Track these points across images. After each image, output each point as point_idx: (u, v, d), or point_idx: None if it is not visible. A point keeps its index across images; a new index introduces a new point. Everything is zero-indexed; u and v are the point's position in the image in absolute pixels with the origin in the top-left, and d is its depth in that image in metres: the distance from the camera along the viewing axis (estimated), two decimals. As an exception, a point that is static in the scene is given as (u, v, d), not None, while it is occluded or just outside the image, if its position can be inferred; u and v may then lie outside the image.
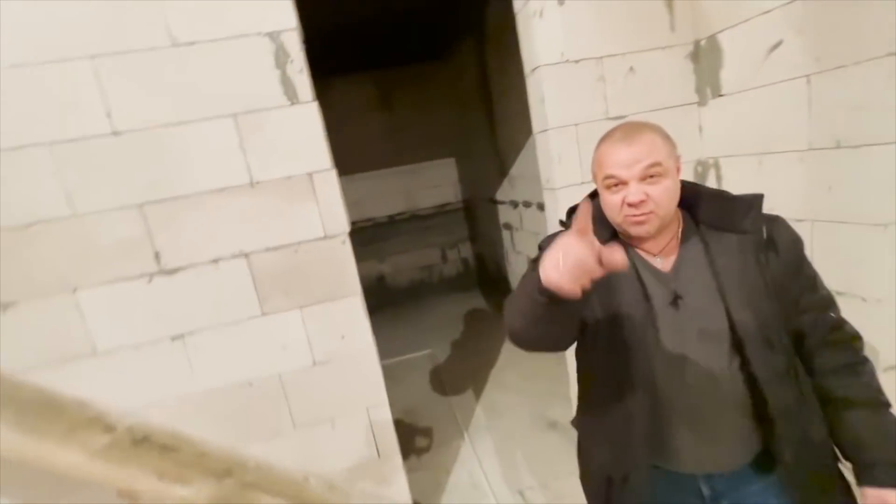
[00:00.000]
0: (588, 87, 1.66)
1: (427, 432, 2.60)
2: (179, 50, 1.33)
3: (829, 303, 0.85)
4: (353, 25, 3.67)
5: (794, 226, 0.86)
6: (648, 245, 0.84)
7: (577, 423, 1.02)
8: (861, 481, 0.83)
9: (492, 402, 2.82)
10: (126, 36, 1.30)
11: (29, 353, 1.33)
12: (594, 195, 0.89)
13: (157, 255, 1.40)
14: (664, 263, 0.84)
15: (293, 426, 1.57)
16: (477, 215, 5.05)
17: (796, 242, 0.84)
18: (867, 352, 0.86)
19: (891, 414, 0.82)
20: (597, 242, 0.62)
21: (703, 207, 0.85)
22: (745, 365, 0.79)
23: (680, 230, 0.85)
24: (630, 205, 0.77)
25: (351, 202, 4.81)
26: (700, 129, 1.77)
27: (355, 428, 1.63)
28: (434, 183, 5.02)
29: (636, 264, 0.84)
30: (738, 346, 0.79)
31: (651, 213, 0.77)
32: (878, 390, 0.83)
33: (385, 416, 1.65)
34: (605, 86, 1.67)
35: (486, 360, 3.40)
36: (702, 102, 1.75)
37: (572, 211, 0.90)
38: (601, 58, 1.65)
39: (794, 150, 1.43)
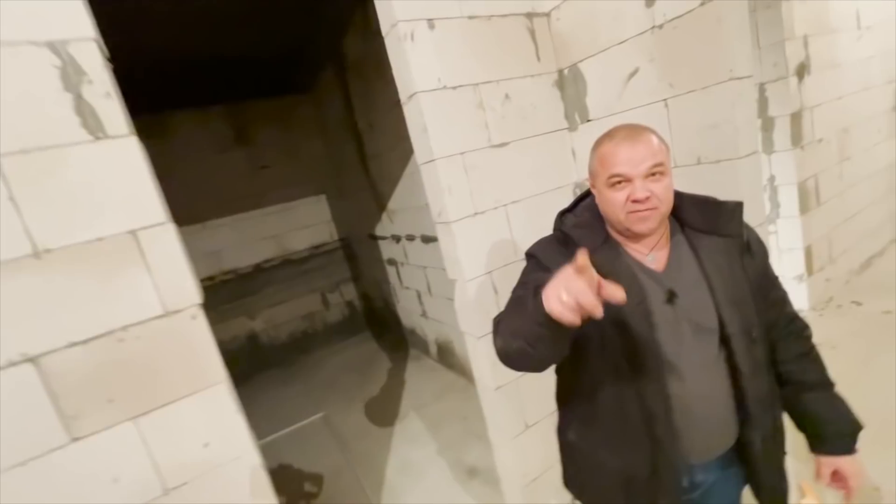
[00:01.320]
0: (469, 115, 1.58)
1: (331, 518, 2.19)
2: None
3: (785, 299, 0.97)
4: (201, 57, 3.19)
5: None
6: (640, 244, 0.88)
7: (578, 435, 1.00)
8: (817, 450, 0.96)
9: (404, 459, 2.53)
10: None
11: None
12: (583, 197, 0.95)
13: None
14: (656, 263, 0.88)
15: (138, 590, 1.10)
16: (357, 254, 4.76)
17: (764, 247, 0.94)
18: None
19: (837, 393, 0.96)
20: (595, 275, 0.63)
21: (687, 211, 0.90)
22: (730, 357, 0.86)
23: (668, 231, 0.90)
24: (636, 201, 0.81)
25: (207, 254, 4.15)
26: (573, 153, 1.83)
27: (236, 561, 1.22)
28: (306, 223, 4.60)
29: (630, 265, 0.87)
30: (725, 340, 0.85)
31: (655, 208, 0.81)
32: (826, 374, 0.97)
33: (277, 532, 1.27)
34: (485, 112, 1.62)
35: (389, 411, 3.09)
36: (572, 128, 1.82)
37: (564, 213, 0.96)
38: (478, 84, 1.60)
39: (662, 168, 1.52)
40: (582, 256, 0.61)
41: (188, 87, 3.63)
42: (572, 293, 0.61)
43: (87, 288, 1.04)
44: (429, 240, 3.02)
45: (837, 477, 0.95)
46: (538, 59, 1.73)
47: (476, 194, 1.60)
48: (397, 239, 3.56)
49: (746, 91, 1.30)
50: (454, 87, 1.55)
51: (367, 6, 2.66)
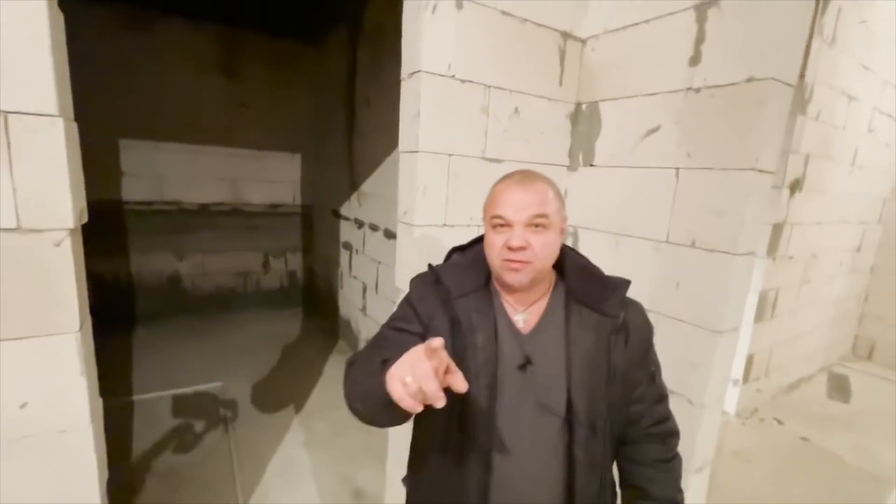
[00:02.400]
0: (471, 115, 1.41)
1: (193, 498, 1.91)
2: None
3: (662, 397, 0.89)
4: None
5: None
6: (516, 297, 0.83)
7: (408, 483, 0.95)
8: None
9: (289, 459, 2.27)
10: None
11: None
12: (477, 241, 0.89)
13: None
14: (525, 323, 0.82)
15: None
16: (315, 225, 4.46)
17: (646, 332, 0.86)
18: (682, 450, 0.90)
19: None
20: (446, 358, 0.59)
21: (573, 278, 0.84)
22: (569, 446, 0.79)
23: (549, 292, 0.84)
24: (510, 248, 0.76)
25: (152, 177, 3.74)
26: (565, 193, 1.69)
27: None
28: (271, 177, 4.26)
29: (497, 320, 0.82)
30: (569, 424, 0.79)
31: (528, 262, 0.76)
32: (678, 489, 0.89)
33: (89, 532, 1.01)
34: (489, 119, 1.45)
35: (295, 400, 2.83)
36: (572, 167, 1.68)
37: (453, 251, 0.90)
38: (489, 86, 1.42)
39: (652, 239, 1.40)
40: (437, 341, 0.58)
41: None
42: (417, 378, 0.56)
43: (-88, 164, 0.77)
44: (392, 235, 2.81)
45: None
46: (560, 83, 1.58)
47: (452, 204, 1.42)
48: (360, 224, 3.32)
49: (764, 187, 1.20)
50: (462, 80, 1.37)
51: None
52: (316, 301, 4.44)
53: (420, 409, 0.58)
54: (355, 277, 3.46)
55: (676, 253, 1.33)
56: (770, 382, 3.32)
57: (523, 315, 0.83)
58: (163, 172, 3.78)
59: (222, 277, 4.24)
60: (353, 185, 3.42)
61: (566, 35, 1.56)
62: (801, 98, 2.68)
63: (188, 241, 4.00)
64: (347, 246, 3.60)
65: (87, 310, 0.99)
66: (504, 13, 1.40)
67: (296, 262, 4.59)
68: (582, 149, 1.64)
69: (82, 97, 1.26)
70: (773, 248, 2.88)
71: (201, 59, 3.79)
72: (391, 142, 2.78)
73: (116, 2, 3.33)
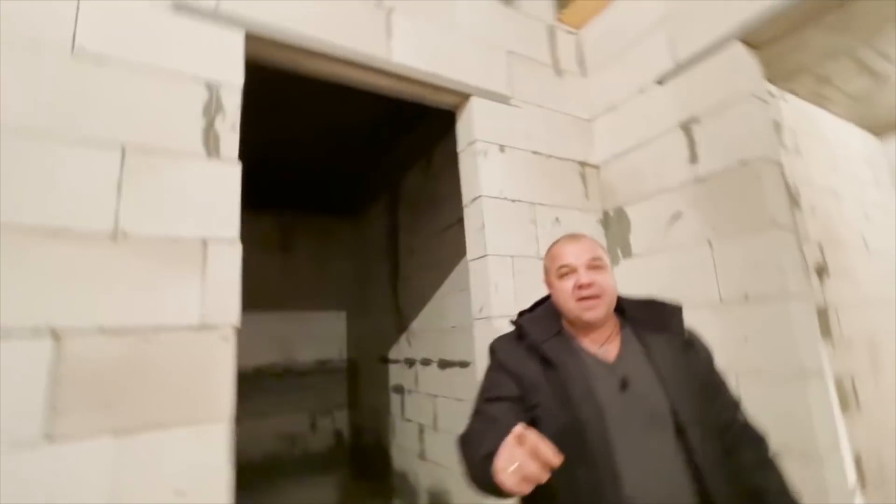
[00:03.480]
0: (523, 225, 1.71)
1: None
2: (80, 61, 1.07)
3: (738, 403, 0.96)
4: (270, 166, 3.69)
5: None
6: (591, 338, 0.93)
7: None
8: None
9: None
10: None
11: None
12: (542, 302, 1.04)
13: None
14: (607, 354, 0.91)
15: None
16: (360, 379, 4.51)
17: (708, 348, 0.98)
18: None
19: None
20: (533, 438, 0.64)
21: (632, 309, 0.98)
22: (687, 451, 0.82)
23: (618, 329, 0.95)
24: (581, 286, 0.89)
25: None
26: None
27: None
28: (319, 335, 4.51)
29: (581, 355, 0.90)
30: (680, 431, 0.83)
31: (599, 297, 0.89)
32: (789, 485, 0.90)
33: None
34: (537, 228, 1.75)
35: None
36: (614, 262, 1.91)
37: (522, 313, 1.05)
38: (533, 203, 1.77)
39: (707, 305, 1.54)
40: (518, 428, 0.66)
41: (252, 189, 4.07)
42: (519, 466, 0.63)
43: (142, 279, 1.03)
44: (447, 364, 2.89)
45: None
46: (587, 197, 1.94)
47: (520, 296, 1.62)
48: (410, 363, 3.41)
49: (789, 238, 1.40)
50: (513, 200, 1.71)
51: (431, 154, 3.14)
52: (364, 460, 4.18)
53: (529, 489, 0.64)
54: (409, 420, 3.38)
55: (734, 310, 1.46)
56: (893, 488, 2.87)
57: (603, 349, 0.92)
58: (222, 341, 4.07)
59: (270, 444, 4.12)
60: (401, 328, 3.63)
61: (583, 163, 1.98)
62: (790, 196, 3.04)
63: (240, 408, 4.02)
64: (398, 389, 3.61)
65: (234, 407, 1.13)
66: (534, 152, 1.84)
67: (342, 419, 4.49)
68: (619, 244, 1.90)
69: None
70: (826, 332, 2.87)
71: (263, 237, 4.46)
72: (436, 280, 3.10)
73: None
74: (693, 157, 1.62)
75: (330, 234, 4.79)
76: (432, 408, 3.06)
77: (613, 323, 0.96)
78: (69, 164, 1.00)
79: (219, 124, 1.20)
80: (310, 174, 3.97)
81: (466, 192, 1.74)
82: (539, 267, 1.69)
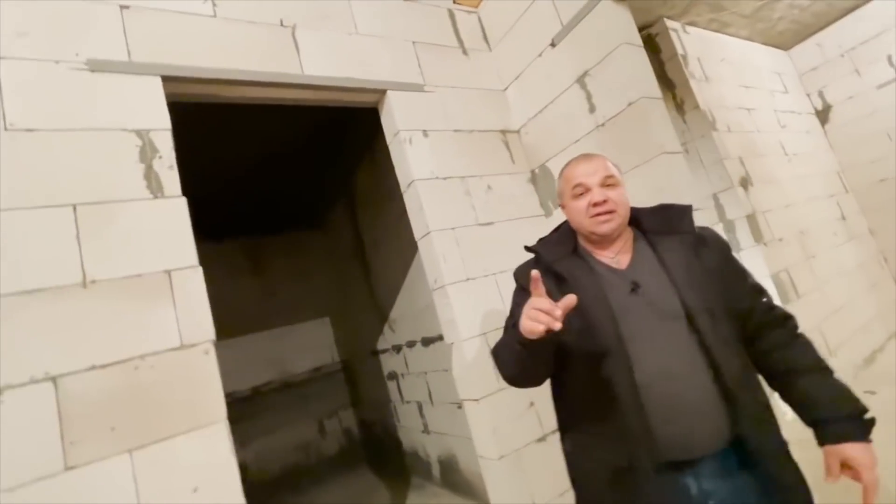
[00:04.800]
0: (458, 198, 1.89)
1: None
2: (11, 135, 1.17)
3: (760, 290, 1.00)
4: (226, 196, 3.74)
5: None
6: (607, 251, 0.99)
7: (571, 444, 1.02)
8: (821, 441, 0.90)
9: None
10: (-61, 114, 1.10)
11: None
12: (556, 229, 1.09)
13: None
14: (620, 263, 0.97)
15: None
16: (358, 376, 4.67)
17: (724, 243, 1.02)
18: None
19: (835, 377, 0.92)
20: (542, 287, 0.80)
21: (645, 219, 1.02)
22: (700, 337, 0.88)
23: (631, 239, 1.01)
24: (594, 204, 0.94)
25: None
26: (553, 234, 2.09)
27: None
28: (308, 345, 4.64)
29: (594, 267, 0.97)
30: (691, 321, 0.89)
31: (613, 211, 0.94)
32: (820, 358, 0.94)
33: None
34: (472, 198, 1.92)
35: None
36: (547, 214, 2.11)
37: (541, 239, 1.09)
38: (464, 177, 1.94)
39: (627, 233, 1.76)
40: (534, 272, 0.81)
41: (215, 222, 4.12)
42: (533, 306, 0.78)
43: (120, 317, 1.16)
44: (429, 341, 3.08)
45: (848, 470, 0.87)
46: (513, 161, 2.12)
47: (467, 262, 1.80)
48: (398, 349, 3.59)
49: (680, 162, 1.62)
50: (444, 178, 1.88)
51: (374, 150, 3.26)
52: (377, 450, 4.38)
53: (542, 329, 0.76)
54: (408, 402, 3.58)
55: (648, 232, 1.67)
56: (843, 361, 3.24)
57: (616, 259, 0.97)
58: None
59: (284, 456, 4.27)
60: (383, 319, 3.79)
61: (504, 131, 2.16)
62: (706, 121, 3.31)
63: (248, 428, 4.15)
64: (392, 376, 3.80)
65: (223, 407, 1.27)
66: (456, 130, 2.00)
67: (349, 418, 4.67)
68: (549, 198, 2.09)
69: None
70: (758, 236, 3.18)
71: (234, 266, 4.52)
72: (403, 267, 3.26)
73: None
74: (592, 108, 1.81)
75: (300, 247, 4.88)
76: (425, 384, 3.26)
77: (628, 235, 1.00)
78: (29, 230, 1.12)
79: (157, 166, 1.32)
80: (266, 195, 4.03)
81: (402, 179, 1.90)
82: (480, 232, 1.89)
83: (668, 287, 0.92)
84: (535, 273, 0.79)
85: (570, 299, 0.79)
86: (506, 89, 2.22)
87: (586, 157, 1.02)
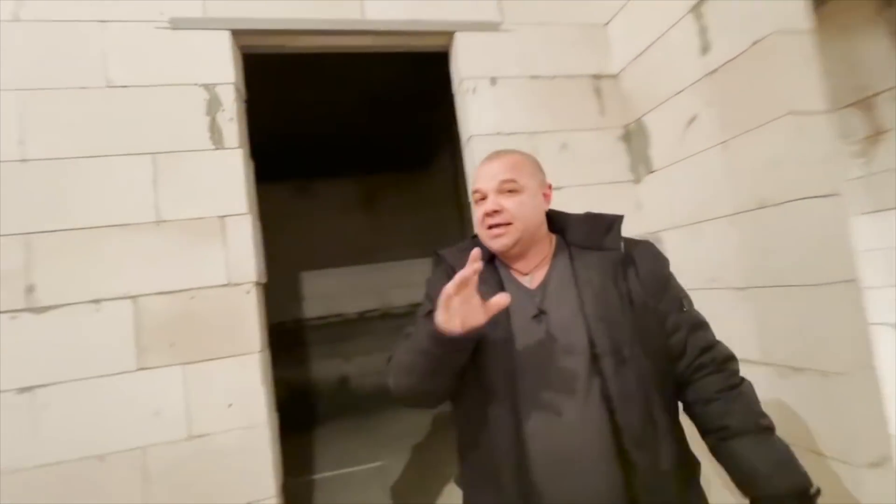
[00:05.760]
0: (521, 158, 1.69)
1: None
2: (110, 91, 1.38)
3: (697, 324, 0.85)
4: (345, 135, 4.01)
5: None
6: (519, 265, 0.87)
7: (461, 478, 0.90)
8: None
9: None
10: (56, 73, 1.35)
11: None
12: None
13: (30, 289, 1.26)
14: (532, 281, 0.85)
15: (146, 521, 1.24)
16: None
17: (658, 263, 0.86)
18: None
19: (775, 439, 0.78)
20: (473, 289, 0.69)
21: (571, 230, 0.89)
22: (603, 383, 0.76)
23: (551, 252, 0.88)
24: (487, 214, 0.82)
25: (323, 296, 4.72)
26: (639, 205, 1.77)
27: (231, 532, 1.28)
28: (408, 281, 4.97)
29: (505, 286, 0.85)
30: (595, 360, 0.77)
31: (507, 224, 0.81)
32: (759, 414, 0.80)
33: (271, 517, 1.32)
34: (540, 158, 1.70)
35: (444, 472, 2.93)
36: (637, 180, 1.77)
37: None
38: (533, 133, 1.71)
39: (723, 216, 1.39)
40: (476, 249, 0.69)
41: (333, 161, 4.49)
42: (454, 303, 0.68)
43: (182, 253, 1.36)
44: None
45: None
46: (602, 114, 1.79)
47: (521, 231, 1.64)
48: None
49: (812, 126, 1.17)
50: (508, 134, 1.69)
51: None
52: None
53: (481, 323, 0.67)
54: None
55: (747, 221, 1.29)
56: None
57: (529, 277, 0.85)
58: (329, 292, 4.75)
59: (377, 376, 4.81)
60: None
61: (597, 76, 1.81)
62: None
63: (352, 346, 4.75)
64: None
65: (265, 341, 1.44)
66: (533, 77, 1.75)
67: (439, 354, 4.98)
68: (641, 161, 1.74)
69: (272, 246, 1.89)
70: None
71: (347, 202, 4.94)
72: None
73: (291, 178, 4.73)
74: (704, 47, 1.39)
75: (409, 187, 5.08)
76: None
77: (546, 247, 0.87)
78: (118, 174, 1.34)
79: (220, 119, 1.44)
80: (378, 137, 4.21)
81: (462, 133, 1.77)
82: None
83: (576, 316, 0.79)
84: (476, 251, 0.68)
85: (503, 298, 0.70)
86: (608, 23, 1.84)
87: (493, 155, 0.88)
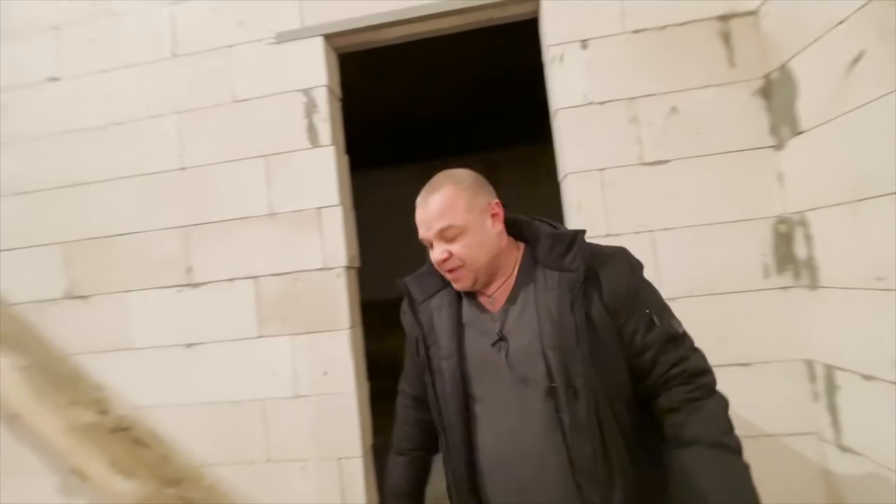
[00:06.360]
0: (616, 130, 1.48)
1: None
2: (236, 105, 1.65)
3: (671, 338, 0.78)
4: (465, 114, 4.06)
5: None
6: (484, 288, 0.85)
7: None
8: None
9: None
10: (201, 95, 1.66)
11: (85, 338, 1.64)
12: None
13: (189, 270, 1.63)
14: (495, 303, 0.83)
15: (266, 458, 1.54)
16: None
17: (625, 278, 0.79)
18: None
19: (732, 459, 0.70)
20: None
21: (539, 246, 0.83)
22: (558, 415, 0.74)
23: (516, 269, 0.84)
24: (438, 262, 0.81)
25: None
26: (780, 177, 1.39)
27: (325, 478, 1.51)
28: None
29: (465, 310, 0.85)
30: (552, 392, 0.75)
31: (460, 268, 0.79)
32: (722, 430, 0.72)
33: (357, 471, 1.50)
34: (640, 127, 1.47)
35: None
36: (779, 145, 1.39)
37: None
38: (633, 98, 1.47)
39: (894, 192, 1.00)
40: None
41: (454, 140, 4.58)
42: None
43: (288, 241, 1.59)
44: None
45: None
46: (732, 63, 1.44)
47: (613, 214, 1.46)
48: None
49: None
50: (602, 103, 1.49)
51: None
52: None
53: None
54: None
55: (938, 197, 0.90)
56: None
57: (492, 298, 0.83)
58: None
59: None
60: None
61: (726, 17, 1.45)
62: None
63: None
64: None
65: (356, 319, 1.60)
66: (637, 31, 1.49)
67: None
68: (784, 120, 1.36)
69: (397, 228, 2.07)
70: None
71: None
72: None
73: (417, 162, 4.99)
74: (878, -47, 0.99)
75: (531, 160, 4.91)
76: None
77: (511, 262, 0.84)
78: (239, 176, 1.62)
79: (316, 120, 1.61)
80: (498, 112, 4.15)
81: (551, 106, 1.62)
82: (642, 173, 1.50)
83: (533, 344, 0.76)
84: None
85: None
86: (746, -57, 1.43)
87: (424, 198, 0.82)
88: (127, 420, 1.45)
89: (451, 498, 0.84)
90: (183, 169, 1.66)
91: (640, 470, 0.74)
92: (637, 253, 1.38)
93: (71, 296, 1.68)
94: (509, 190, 4.81)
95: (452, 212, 0.79)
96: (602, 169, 1.48)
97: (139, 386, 1.60)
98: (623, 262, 0.81)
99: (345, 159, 1.69)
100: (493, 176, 4.65)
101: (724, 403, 0.76)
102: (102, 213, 1.68)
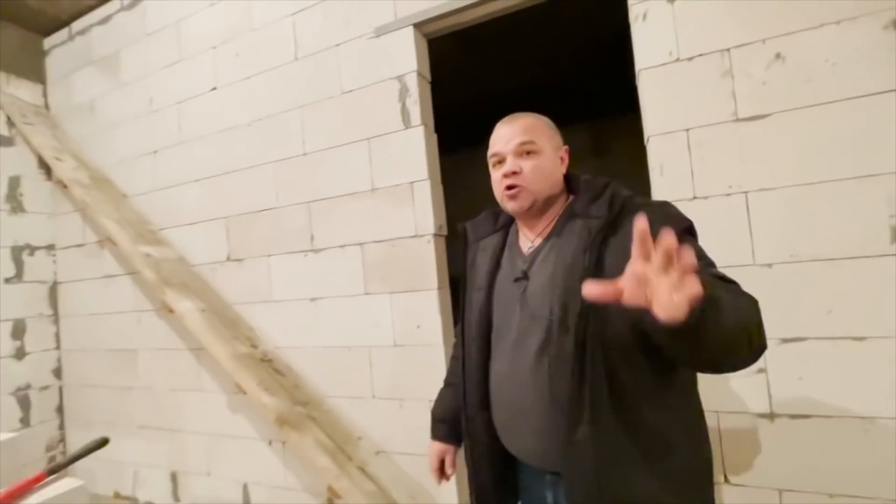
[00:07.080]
0: (707, 85, 1.39)
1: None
2: (343, 96, 1.92)
3: (712, 266, 0.76)
4: (572, 82, 3.97)
5: None
6: (529, 226, 0.92)
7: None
8: None
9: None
10: (316, 90, 1.97)
11: (240, 292, 2.11)
12: None
13: (312, 238, 1.98)
14: (532, 247, 0.90)
15: (371, 395, 1.83)
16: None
17: (659, 224, 0.70)
18: None
19: (742, 292, 0.70)
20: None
21: (583, 197, 0.87)
22: (549, 348, 0.81)
23: (557, 216, 0.90)
24: (505, 175, 0.86)
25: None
26: (919, 124, 1.18)
27: (418, 415, 1.75)
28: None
29: (506, 250, 0.94)
30: (550, 327, 0.81)
31: (522, 187, 0.85)
32: (740, 292, 0.70)
33: (444, 413, 1.71)
34: (734, 81, 1.36)
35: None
36: (919, 86, 1.17)
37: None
38: (728, 49, 1.36)
39: None
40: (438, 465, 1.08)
41: (556, 108, 4.46)
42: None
43: (387, 212, 1.83)
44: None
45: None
46: (856, -6, 1.24)
47: (700, 175, 1.40)
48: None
49: None
50: (690, 58, 1.41)
51: None
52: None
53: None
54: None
55: None
56: None
57: (531, 242, 0.90)
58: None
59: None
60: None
61: (852, -61, 1.25)
62: None
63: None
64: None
65: (444, 281, 1.79)
66: (735, -27, 1.36)
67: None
68: (926, 55, 1.14)
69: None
70: None
71: (578, 148, 4.82)
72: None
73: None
74: None
75: (639, 130, 4.56)
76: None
77: (559, 209, 0.90)
78: (349, 157, 1.90)
79: (408, 103, 1.80)
80: (608, 80, 3.96)
81: (636, 67, 1.57)
82: (735, 130, 1.46)
83: (547, 284, 0.83)
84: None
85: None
86: None
87: (511, 118, 0.90)
88: (270, 354, 1.86)
89: (464, 411, 0.95)
90: (304, 154, 2.00)
91: (620, 426, 0.74)
92: (727, 216, 1.35)
93: (231, 259, 2.16)
94: (620, 158, 4.60)
95: (535, 133, 0.87)
96: (688, 129, 1.41)
97: (277, 329, 2.02)
98: (660, 211, 0.79)
99: (433, 138, 1.86)
100: (604, 145, 4.62)
101: (755, 303, 0.69)
102: (251, 194, 2.12)
